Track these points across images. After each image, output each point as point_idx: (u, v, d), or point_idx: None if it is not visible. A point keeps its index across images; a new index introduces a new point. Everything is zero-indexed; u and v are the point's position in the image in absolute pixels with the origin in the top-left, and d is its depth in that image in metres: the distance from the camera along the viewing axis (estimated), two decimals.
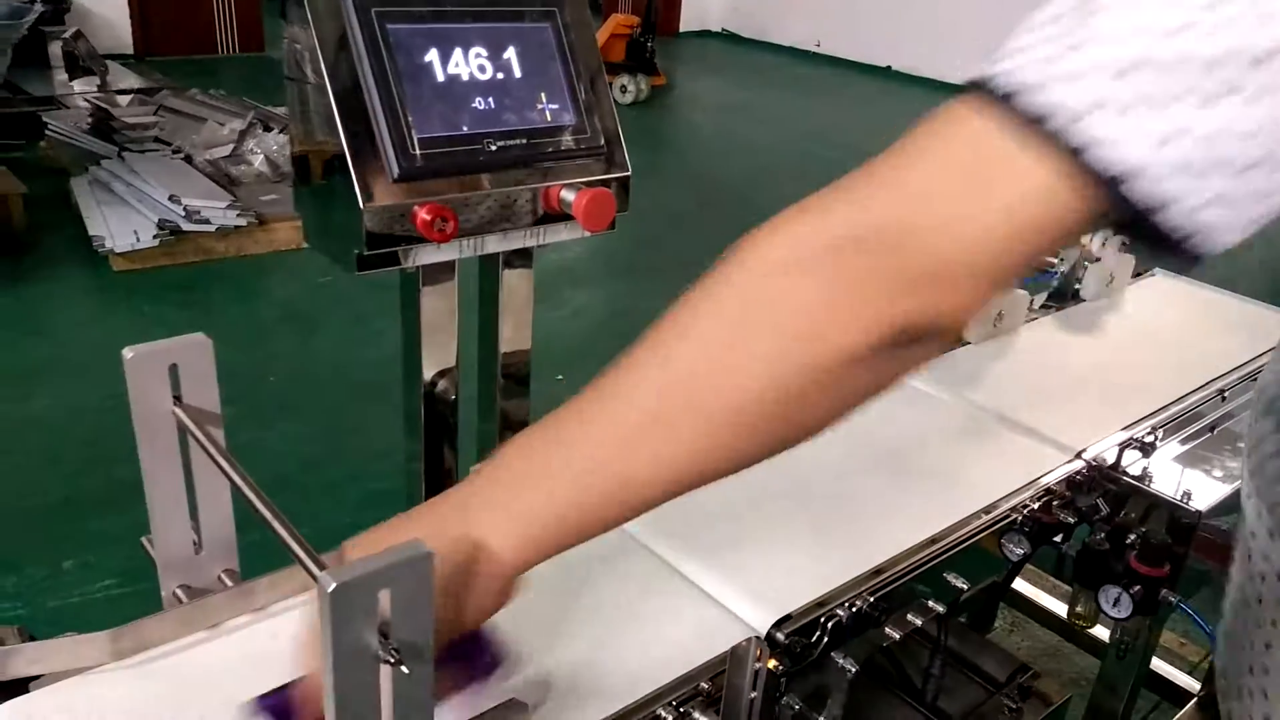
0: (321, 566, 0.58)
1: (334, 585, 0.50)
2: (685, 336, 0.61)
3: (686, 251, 4.85)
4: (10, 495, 2.77)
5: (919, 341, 0.59)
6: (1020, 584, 2.15)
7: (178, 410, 0.79)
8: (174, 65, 7.93)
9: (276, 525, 0.66)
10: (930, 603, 1.05)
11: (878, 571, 0.99)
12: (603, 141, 1.03)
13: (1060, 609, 2.12)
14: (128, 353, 0.77)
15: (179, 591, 0.87)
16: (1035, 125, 0.51)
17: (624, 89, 8.01)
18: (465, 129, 0.93)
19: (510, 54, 0.97)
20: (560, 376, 3.47)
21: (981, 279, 0.57)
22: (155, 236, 4.29)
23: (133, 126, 5.30)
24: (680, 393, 0.60)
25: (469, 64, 0.94)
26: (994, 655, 1.41)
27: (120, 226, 4.34)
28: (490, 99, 0.95)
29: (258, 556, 0.95)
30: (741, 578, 0.96)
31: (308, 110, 0.92)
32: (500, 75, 0.96)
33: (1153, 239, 0.52)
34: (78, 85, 6.35)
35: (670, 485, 0.62)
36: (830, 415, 0.61)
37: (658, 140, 7.37)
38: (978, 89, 0.55)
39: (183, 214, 4.40)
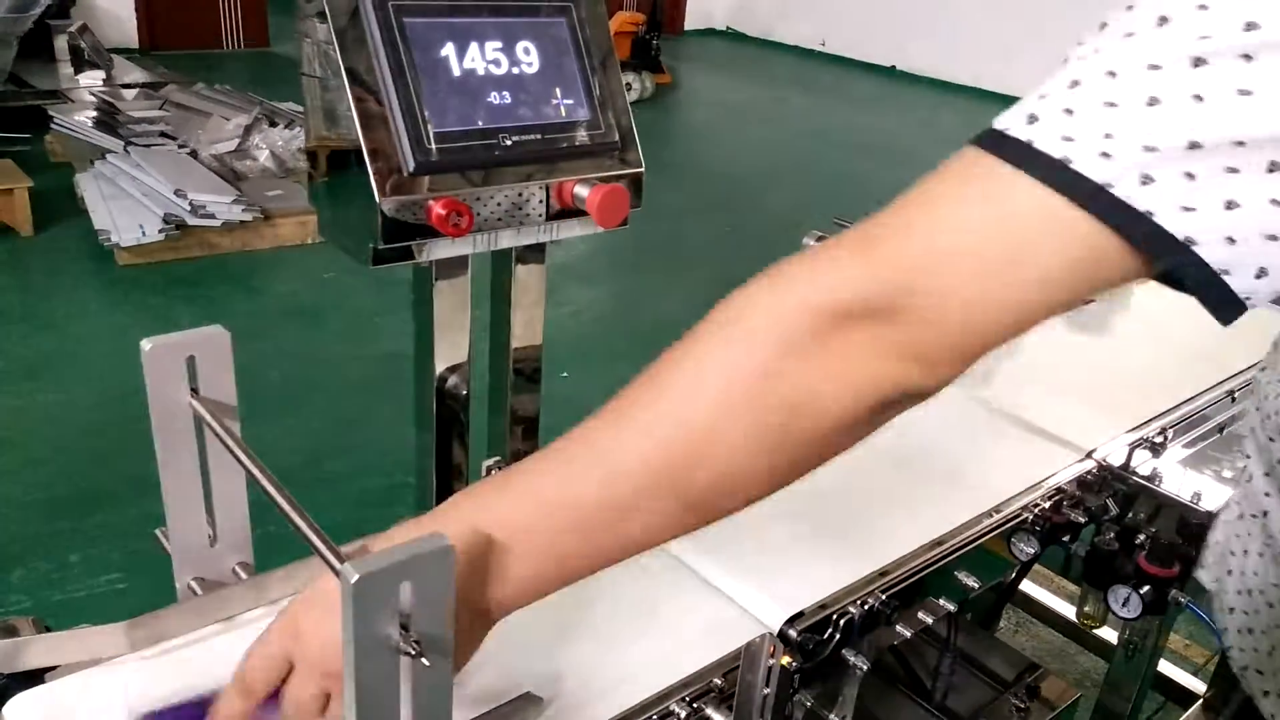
0: (341, 559, 0.58)
1: (357, 577, 0.50)
2: (672, 411, 0.59)
3: (690, 250, 4.85)
4: (16, 489, 2.78)
5: (905, 401, 0.59)
6: (1026, 585, 2.14)
7: (194, 402, 0.79)
8: (179, 59, 7.93)
9: (295, 517, 0.66)
10: (940, 601, 1.05)
11: (889, 570, 0.99)
12: (617, 137, 1.03)
13: (1066, 609, 2.12)
14: (146, 344, 0.77)
15: (194, 583, 0.87)
16: (1092, 191, 0.49)
17: (629, 86, 8.01)
18: (480, 124, 0.93)
19: (525, 48, 0.97)
20: (565, 374, 3.48)
21: (988, 343, 0.55)
22: (160, 231, 4.29)
23: (138, 121, 5.30)
24: (666, 472, 0.59)
25: (484, 58, 0.94)
26: (1002, 654, 1.41)
27: (125, 221, 4.35)
28: (505, 94, 0.95)
29: (272, 549, 0.95)
30: (755, 575, 0.96)
31: (323, 105, 0.92)
32: (515, 70, 0.96)
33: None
34: (83, 79, 6.36)
35: (653, 545, 0.63)
36: (809, 468, 0.63)
37: (662, 138, 7.37)
38: (1009, 145, 0.51)
39: (188, 208, 4.40)
